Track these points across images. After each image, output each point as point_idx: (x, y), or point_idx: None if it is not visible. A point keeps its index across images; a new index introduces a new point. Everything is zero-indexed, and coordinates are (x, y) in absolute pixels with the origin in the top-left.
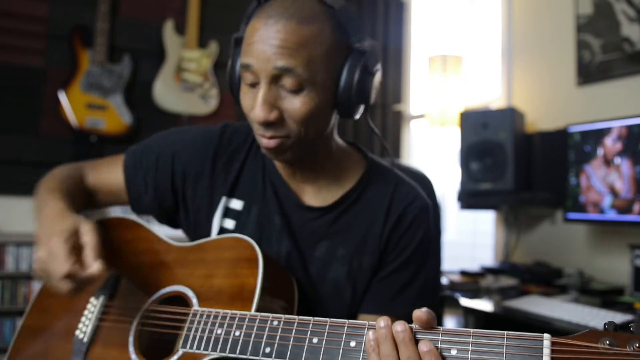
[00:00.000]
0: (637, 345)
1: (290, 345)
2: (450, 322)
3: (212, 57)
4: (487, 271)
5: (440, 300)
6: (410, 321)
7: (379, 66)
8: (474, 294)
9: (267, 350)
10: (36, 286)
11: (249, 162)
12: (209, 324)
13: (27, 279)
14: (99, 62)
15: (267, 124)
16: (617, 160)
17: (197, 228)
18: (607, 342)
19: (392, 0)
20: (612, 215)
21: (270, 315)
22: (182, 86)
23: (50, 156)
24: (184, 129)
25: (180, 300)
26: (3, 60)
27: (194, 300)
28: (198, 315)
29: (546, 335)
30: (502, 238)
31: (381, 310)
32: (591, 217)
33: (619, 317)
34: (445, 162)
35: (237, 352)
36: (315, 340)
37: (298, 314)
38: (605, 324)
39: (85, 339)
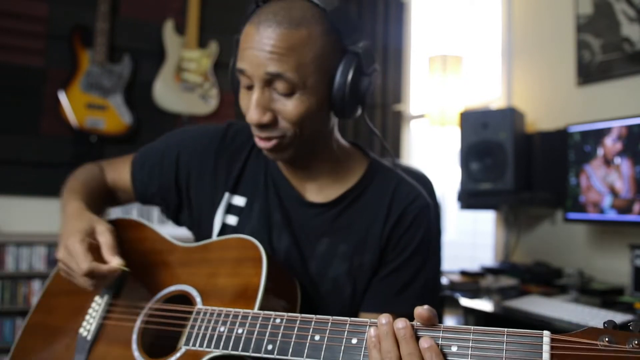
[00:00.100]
0: (636, 342)
1: (292, 343)
2: (450, 322)
3: (212, 57)
4: (487, 271)
5: (440, 300)
6: (411, 321)
7: (374, 67)
8: (474, 294)
9: (270, 347)
10: (36, 286)
11: (252, 159)
12: (212, 321)
13: (27, 279)
14: (99, 62)
15: (261, 126)
16: (617, 160)
17: (200, 224)
18: (607, 339)
19: (392, 0)
20: (612, 215)
21: (273, 313)
22: (182, 86)
23: (50, 156)
24: (190, 128)
25: (184, 299)
26: (3, 60)
27: (198, 299)
28: (201, 314)
29: (546, 332)
30: (502, 238)
31: (381, 309)
32: (591, 217)
33: (619, 317)
34: (445, 162)
35: (240, 349)
36: (317, 337)
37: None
38: (604, 323)
39: (88, 337)
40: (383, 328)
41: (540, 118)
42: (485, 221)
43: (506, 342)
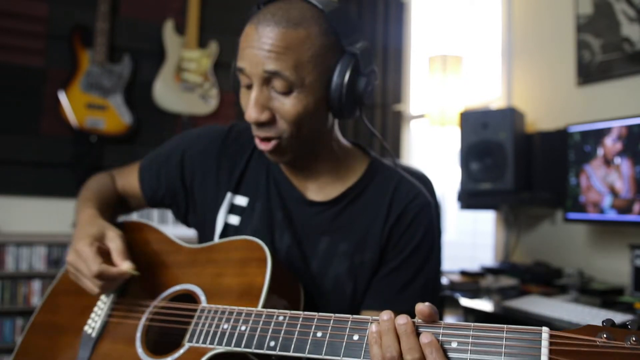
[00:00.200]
0: (634, 339)
1: (294, 339)
2: (450, 321)
3: (212, 57)
4: (487, 271)
5: (440, 300)
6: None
7: (372, 68)
8: (474, 294)
9: (272, 344)
10: (36, 286)
11: (254, 160)
12: (216, 319)
13: (27, 279)
14: (99, 62)
15: (259, 124)
16: (617, 160)
17: (204, 224)
18: (605, 335)
19: (392, 0)
20: (612, 215)
21: (276, 311)
22: (182, 86)
23: (50, 156)
24: (194, 130)
25: (189, 298)
26: (3, 60)
27: (202, 298)
28: (206, 311)
29: (545, 329)
30: (502, 238)
31: (382, 308)
32: (591, 217)
33: (619, 317)
34: (445, 162)
35: (242, 345)
36: (319, 334)
37: None
38: (603, 321)
39: (93, 334)
40: (384, 324)
41: (540, 118)
42: (485, 221)
43: (505, 338)
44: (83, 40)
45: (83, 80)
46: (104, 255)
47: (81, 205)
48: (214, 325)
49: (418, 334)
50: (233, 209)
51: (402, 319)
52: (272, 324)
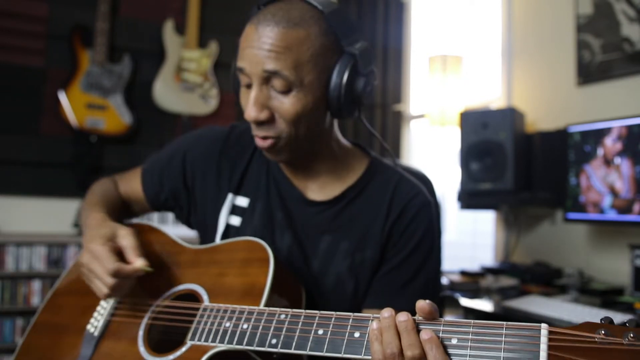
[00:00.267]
0: (632, 335)
1: (296, 337)
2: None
3: (212, 57)
4: (487, 271)
5: (440, 300)
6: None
7: (371, 68)
8: (474, 294)
9: (274, 341)
10: (36, 286)
11: (255, 161)
12: (218, 317)
13: (27, 279)
14: (99, 62)
15: (259, 123)
16: (617, 160)
17: (206, 225)
18: (603, 332)
19: (392, 0)
20: (612, 215)
21: (278, 309)
22: (182, 86)
23: (50, 156)
24: (194, 131)
25: (192, 298)
26: (3, 60)
27: (205, 297)
28: (208, 310)
29: (544, 325)
30: (502, 238)
31: (383, 306)
32: (591, 217)
33: (619, 317)
34: (445, 162)
35: (244, 343)
36: (320, 331)
37: None
38: (601, 319)
39: (96, 333)
40: (385, 321)
41: (540, 118)
42: (485, 221)
43: (505, 335)
44: (83, 40)
45: (83, 80)
46: (118, 254)
47: (88, 209)
48: (216, 324)
49: (418, 331)
50: (234, 209)
51: (403, 316)
52: (274, 322)
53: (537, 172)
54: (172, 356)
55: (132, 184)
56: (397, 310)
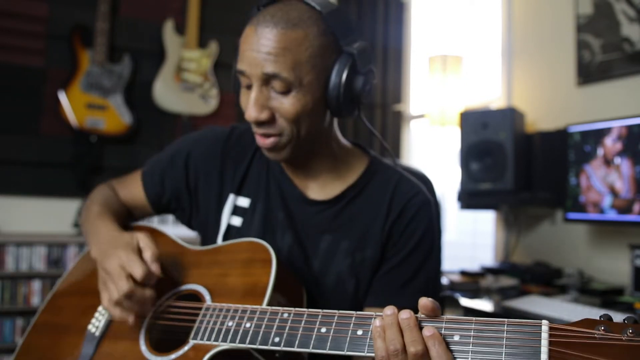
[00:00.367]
0: (631, 331)
1: (299, 335)
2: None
3: (212, 57)
4: (487, 271)
5: (440, 300)
6: None
7: (370, 67)
8: (474, 294)
9: (276, 340)
10: (36, 286)
11: (255, 161)
12: (221, 317)
13: (27, 278)
14: (99, 62)
15: (259, 123)
16: (617, 160)
17: (207, 226)
18: (602, 328)
19: (392, 0)
20: (612, 215)
21: (281, 308)
22: (182, 86)
23: (50, 156)
24: (195, 132)
25: (195, 298)
26: (3, 60)
27: (207, 297)
28: (210, 310)
29: (544, 322)
30: (502, 238)
31: (384, 305)
32: (591, 217)
33: (618, 317)
34: (445, 162)
35: (247, 342)
36: (323, 329)
37: None
38: (600, 316)
39: (97, 333)
40: (388, 318)
41: (540, 118)
42: (485, 221)
43: (506, 331)
44: (83, 40)
45: (83, 80)
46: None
47: (95, 220)
48: (218, 323)
49: (421, 328)
50: (236, 210)
51: (405, 314)
52: (277, 320)
53: (537, 172)
54: (174, 355)
55: (131, 188)
56: (399, 307)
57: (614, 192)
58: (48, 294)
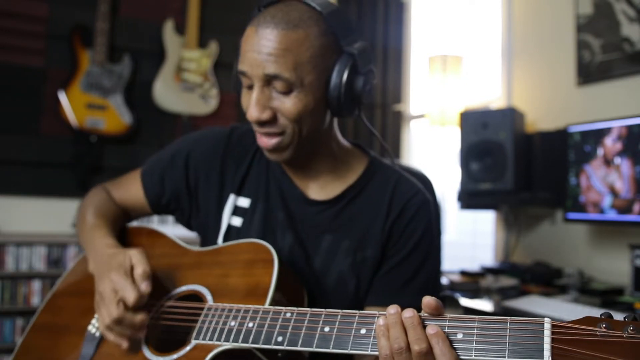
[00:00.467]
0: (631, 328)
1: (302, 334)
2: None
3: (212, 57)
4: (487, 271)
5: (440, 299)
6: None
7: (370, 67)
8: (474, 294)
9: (280, 339)
10: (36, 286)
11: (256, 162)
12: (223, 316)
13: (27, 278)
14: (99, 62)
15: (261, 123)
16: (617, 160)
17: (207, 226)
18: (604, 325)
19: (392, 0)
20: (612, 215)
21: (284, 308)
22: (182, 86)
23: (50, 156)
24: (195, 133)
25: (196, 298)
26: (3, 60)
27: (209, 297)
28: (212, 310)
29: (547, 319)
30: (502, 238)
31: (385, 304)
32: (591, 217)
33: (619, 317)
34: (445, 162)
35: (250, 341)
36: (326, 329)
37: None
38: (601, 314)
39: (97, 334)
40: (392, 317)
41: (540, 118)
42: (485, 221)
43: (509, 329)
44: (83, 40)
45: (83, 80)
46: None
47: (91, 231)
48: (221, 323)
49: (424, 327)
50: (236, 210)
51: (409, 312)
52: (280, 320)
53: (537, 172)
54: (176, 355)
55: (129, 189)
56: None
57: (614, 192)
58: (47, 294)
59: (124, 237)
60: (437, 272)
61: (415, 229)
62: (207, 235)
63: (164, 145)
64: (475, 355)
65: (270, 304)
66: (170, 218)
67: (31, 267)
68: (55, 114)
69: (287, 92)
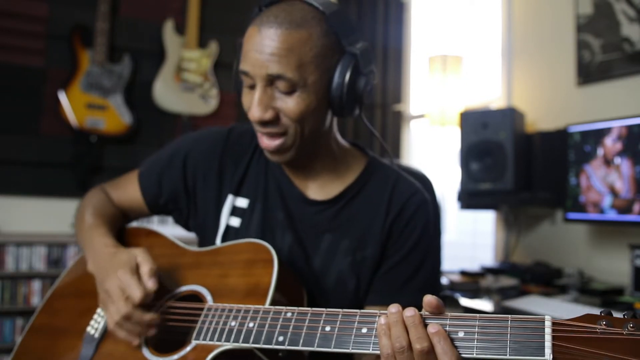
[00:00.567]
0: (631, 325)
1: (303, 334)
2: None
3: (212, 57)
4: (487, 271)
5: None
6: None
7: (371, 67)
8: (474, 294)
9: (280, 338)
10: (36, 286)
11: (254, 162)
12: (223, 317)
13: (27, 278)
14: (99, 62)
15: (264, 123)
16: (617, 160)
17: (205, 227)
18: (604, 323)
19: (392, 0)
20: (612, 215)
21: (284, 308)
22: (182, 86)
23: (50, 156)
24: (193, 133)
25: (196, 299)
26: (3, 60)
27: (208, 297)
28: (212, 310)
29: (547, 317)
30: (502, 238)
31: (385, 303)
32: (591, 217)
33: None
34: (445, 162)
35: (251, 341)
36: (327, 328)
37: None
38: (601, 311)
39: (96, 335)
40: (393, 316)
41: (540, 118)
42: (485, 221)
43: (510, 327)
44: (83, 40)
45: (83, 80)
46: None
47: (90, 231)
48: (221, 323)
49: (425, 325)
50: (234, 210)
51: (410, 311)
52: (280, 319)
53: (537, 172)
54: (176, 356)
55: (127, 189)
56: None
57: (614, 192)
58: (45, 296)
59: (123, 237)
60: (436, 271)
61: (414, 228)
62: (206, 236)
63: (164, 145)
64: (476, 354)
65: (270, 304)
66: (170, 219)
67: (31, 267)
68: (55, 114)
69: (290, 92)
